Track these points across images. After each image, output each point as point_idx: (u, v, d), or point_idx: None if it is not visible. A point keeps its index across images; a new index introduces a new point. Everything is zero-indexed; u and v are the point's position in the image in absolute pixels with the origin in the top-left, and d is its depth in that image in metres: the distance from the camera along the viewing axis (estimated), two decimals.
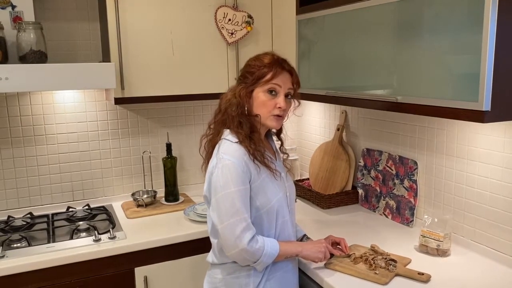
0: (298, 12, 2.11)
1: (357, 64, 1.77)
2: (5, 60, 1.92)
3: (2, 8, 1.96)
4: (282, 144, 1.70)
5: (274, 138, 1.72)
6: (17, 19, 1.97)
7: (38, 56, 1.94)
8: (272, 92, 1.50)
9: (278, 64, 1.50)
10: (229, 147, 1.48)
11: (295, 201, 1.74)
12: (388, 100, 1.61)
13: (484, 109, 1.27)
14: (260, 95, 1.50)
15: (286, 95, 1.52)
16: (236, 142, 1.48)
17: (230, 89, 1.58)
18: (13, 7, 1.97)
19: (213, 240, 1.58)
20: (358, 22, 1.74)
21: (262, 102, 1.50)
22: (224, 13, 2.26)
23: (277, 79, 1.49)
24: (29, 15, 1.99)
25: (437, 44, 1.40)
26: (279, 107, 1.49)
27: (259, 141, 1.51)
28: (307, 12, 2.04)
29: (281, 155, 1.69)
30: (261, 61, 1.51)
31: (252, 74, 1.51)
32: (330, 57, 1.93)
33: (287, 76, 1.51)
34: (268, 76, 1.48)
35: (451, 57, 1.36)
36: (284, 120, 1.57)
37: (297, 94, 1.58)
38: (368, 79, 1.72)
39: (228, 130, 1.53)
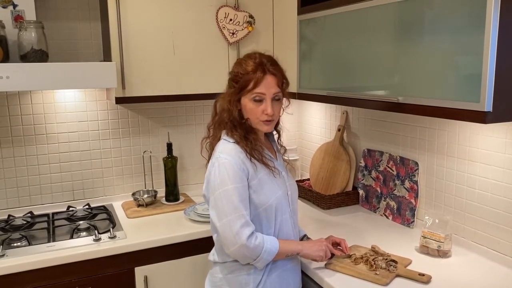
0: (299, 12, 2.10)
1: (358, 64, 1.76)
2: (6, 59, 1.92)
3: (4, 7, 1.96)
4: (279, 137, 1.70)
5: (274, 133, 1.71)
6: (18, 18, 1.97)
7: (39, 55, 1.94)
8: (257, 99, 1.49)
9: (261, 68, 1.48)
10: (226, 147, 1.50)
11: None
12: (389, 100, 1.61)
13: (485, 109, 1.26)
14: (247, 103, 1.51)
15: (276, 98, 1.52)
16: (233, 142, 1.51)
17: (223, 93, 1.58)
18: (15, 6, 1.97)
19: (215, 238, 1.58)
20: (359, 23, 1.73)
21: (250, 110, 1.51)
22: (225, 13, 2.26)
23: (260, 87, 1.47)
24: (30, 14, 2.00)
25: (439, 45, 1.40)
26: (266, 114, 1.49)
27: (256, 141, 1.53)
28: (308, 12, 2.04)
29: (279, 148, 1.69)
30: (244, 68, 1.50)
31: (237, 83, 1.51)
32: (331, 57, 1.92)
33: (270, 80, 1.49)
34: (251, 86, 1.48)
35: (453, 58, 1.36)
36: (275, 122, 1.57)
37: (286, 93, 1.57)
38: (369, 79, 1.72)
39: (225, 130, 1.56)
